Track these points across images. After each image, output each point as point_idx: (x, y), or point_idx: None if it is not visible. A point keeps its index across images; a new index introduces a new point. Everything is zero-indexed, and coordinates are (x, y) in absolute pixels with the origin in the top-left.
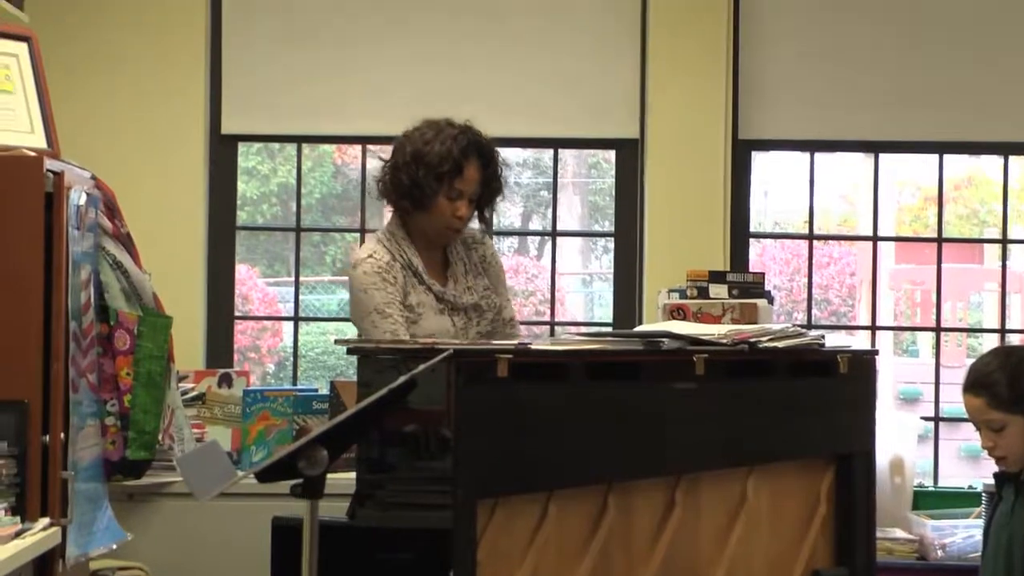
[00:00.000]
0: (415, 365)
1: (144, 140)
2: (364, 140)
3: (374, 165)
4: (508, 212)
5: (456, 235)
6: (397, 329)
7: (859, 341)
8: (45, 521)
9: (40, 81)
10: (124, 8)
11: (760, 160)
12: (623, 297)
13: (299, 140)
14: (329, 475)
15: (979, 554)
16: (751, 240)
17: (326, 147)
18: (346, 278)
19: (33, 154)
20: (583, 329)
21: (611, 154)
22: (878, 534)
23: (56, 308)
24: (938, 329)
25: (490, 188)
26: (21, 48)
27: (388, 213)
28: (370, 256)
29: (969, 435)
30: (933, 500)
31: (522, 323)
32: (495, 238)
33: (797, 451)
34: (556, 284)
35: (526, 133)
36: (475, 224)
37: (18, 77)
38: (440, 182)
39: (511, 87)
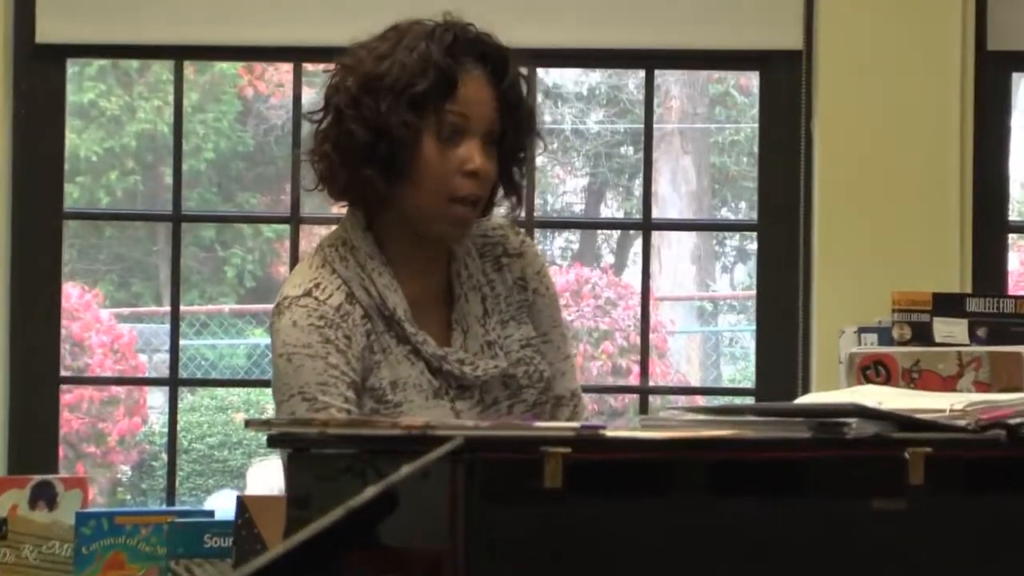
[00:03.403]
0: (392, 467)
1: None
2: (298, 54)
3: (314, 100)
4: (562, 186)
5: (472, 214)
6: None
7: None
8: None
9: None
10: None
11: None
12: (774, 341)
13: (177, 54)
14: None
15: None
16: (1011, 236)
17: (226, 67)
18: (265, 307)
19: None
20: (700, 401)
21: (752, 78)
22: None
23: None
24: None
25: (514, 121)
26: None
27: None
28: (307, 294)
29: None
30: None
31: (586, 390)
32: (534, 235)
33: None
34: (650, 318)
35: (595, 42)
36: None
37: None
38: (421, 111)
39: None
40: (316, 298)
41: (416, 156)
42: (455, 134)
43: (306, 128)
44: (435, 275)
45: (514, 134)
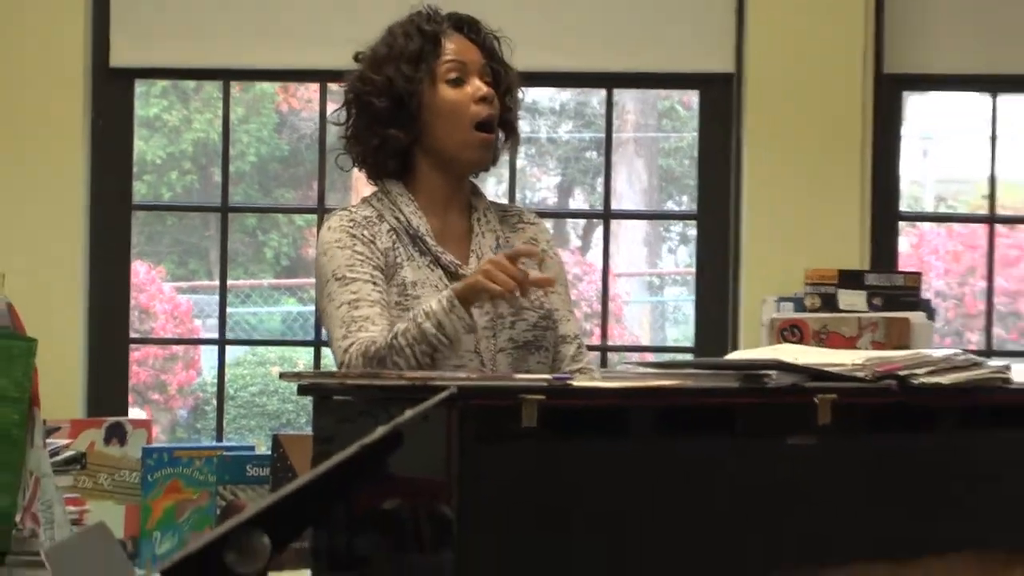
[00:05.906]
0: (399, 410)
1: None
2: (323, 76)
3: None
4: (538, 183)
5: (492, 138)
6: (363, 298)
7: None
8: None
9: None
10: None
11: (916, 105)
12: (710, 309)
13: (225, 76)
14: (272, 574)
15: None
16: (901, 224)
17: (266, 86)
18: (297, 281)
19: None
20: (650, 357)
21: (693, 96)
22: None
23: None
24: None
25: (501, 67)
26: None
27: (360, 186)
28: (343, 210)
29: None
30: None
31: None
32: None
33: (972, 540)
34: (609, 290)
35: (565, 66)
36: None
37: None
38: (419, 65)
39: (539, 1)
40: (349, 211)
41: (431, 102)
42: (458, 79)
43: (331, 134)
44: (458, 221)
45: (504, 77)
